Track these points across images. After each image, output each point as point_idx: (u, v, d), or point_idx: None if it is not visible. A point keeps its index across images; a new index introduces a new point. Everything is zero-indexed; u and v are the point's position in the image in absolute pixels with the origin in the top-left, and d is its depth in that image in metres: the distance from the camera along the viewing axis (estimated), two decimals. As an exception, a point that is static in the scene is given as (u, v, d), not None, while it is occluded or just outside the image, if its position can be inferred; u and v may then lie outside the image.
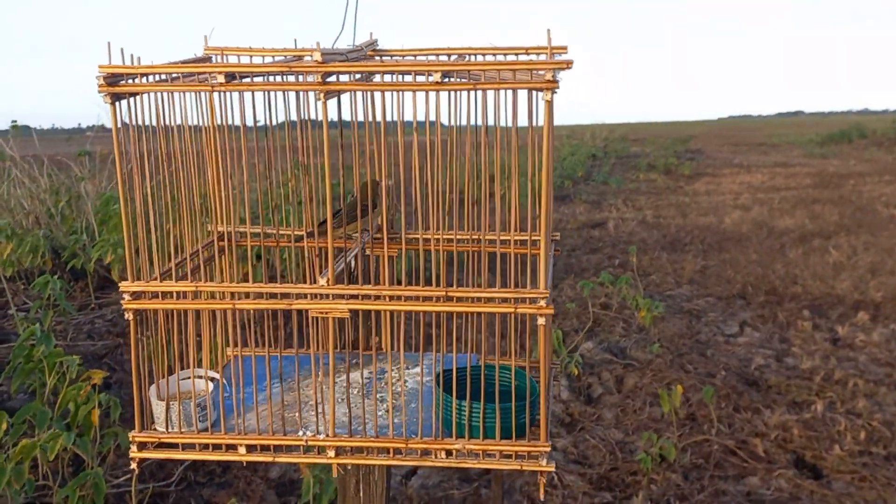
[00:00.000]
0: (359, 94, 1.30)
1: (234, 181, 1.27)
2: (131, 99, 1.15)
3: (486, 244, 1.32)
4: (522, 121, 1.07)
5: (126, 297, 1.19)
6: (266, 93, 1.21)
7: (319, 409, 1.20)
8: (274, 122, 1.28)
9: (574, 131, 18.60)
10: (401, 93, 1.04)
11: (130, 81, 1.12)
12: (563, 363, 3.46)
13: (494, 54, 1.36)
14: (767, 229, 7.47)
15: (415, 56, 1.41)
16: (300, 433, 1.20)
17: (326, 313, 1.11)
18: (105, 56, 1.12)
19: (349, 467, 1.32)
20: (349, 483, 1.36)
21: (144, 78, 1.12)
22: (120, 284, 1.21)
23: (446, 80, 1.01)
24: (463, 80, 1.02)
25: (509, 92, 1.05)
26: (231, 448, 1.22)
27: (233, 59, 1.32)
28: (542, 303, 1.09)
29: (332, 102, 1.10)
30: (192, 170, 1.29)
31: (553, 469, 1.15)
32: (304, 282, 1.21)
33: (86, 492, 2.11)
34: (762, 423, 3.23)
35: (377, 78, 1.19)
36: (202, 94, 1.24)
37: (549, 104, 1.00)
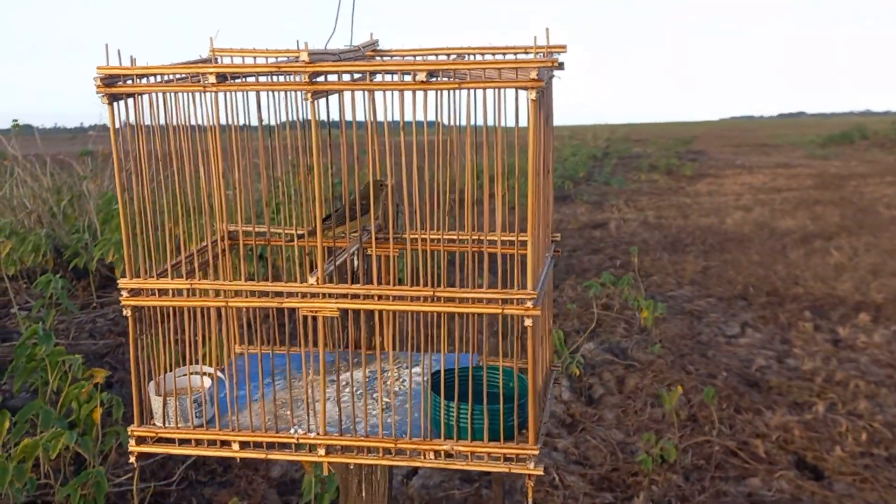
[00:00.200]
0: (353, 94, 1.31)
1: (231, 180, 1.28)
2: (129, 99, 1.17)
3: (471, 244, 1.33)
4: (521, 121, 1.07)
5: (124, 293, 1.21)
6: (258, 93, 1.22)
7: (311, 408, 1.21)
8: (271, 123, 1.29)
9: (576, 132, 18.58)
10: (385, 92, 1.05)
11: (128, 82, 1.14)
12: (565, 364, 3.46)
13: (493, 53, 1.36)
14: (769, 230, 7.46)
15: (414, 56, 1.42)
16: (291, 431, 1.21)
17: (316, 312, 1.12)
18: (103, 57, 1.13)
19: (351, 466, 1.33)
20: (351, 482, 1.37)
21: (141, 79, 1.13)
22: (118, 281, 1.23)
23: (432, 79, 1.02)
24: (448, 79, 1.03)
25: (503, 91, 1.05)
26: (225, 444, 1.23)
27: (237, 60, 1.34)
28: (529, 304, 1.09)
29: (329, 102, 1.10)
30: (189, 169, 1.30)
31: (542, 472, 1.15)
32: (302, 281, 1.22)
33: (87, 490, 2.12)
34: (763, 425, 3.23)
35: (370, 77, 1.19)
36: (198, 94, 1.25)
37: (535, 103, 1.00)
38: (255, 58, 1.32)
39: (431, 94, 1.06)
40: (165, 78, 1.14)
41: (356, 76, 1.13)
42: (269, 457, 1.19)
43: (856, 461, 2.94)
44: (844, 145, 17.91)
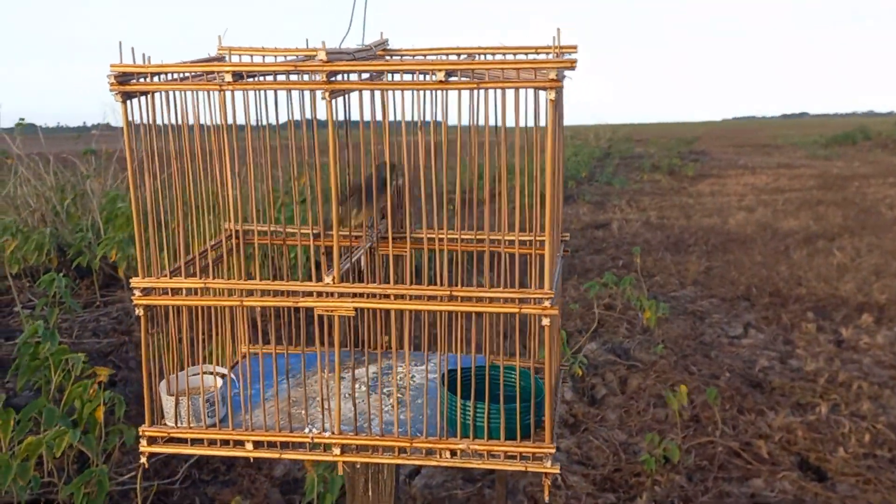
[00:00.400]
0: (367, 93, 1.31)
1: (244, 179, 1.28)
2: (142, 98, 1.16)
3: (489, 243, 1.33)
4: (531, 121, 1.07)
5: (136, 293, 1.20)
6: (276, 92, 1.22)
7: (325, 407, 1.21)
8: (283, 121, 1.29)
9: (578, 132, 18.58)
10: (404, 92, 1.05)
11: (142, 80, 1.13)
12: (568, 364, 3.46)
13: (504, 54, 1.36)
14: (771, 231, 7.47)
15: (424, 55, 1.42)
16: (306, 430, 1.21)
17: (332, 311, 1.11)
18: (108, 55, 1.13)
19: (358, 466, 1.33)
20: (358, 482, 1.37)
21: (154, 77, 1.13)
22: (131, 280, 1.22)
23: (451, 79, 1.02)
24: (467, 79, 1.03)
25: (520, 91, 1.05)
26: (238, 444, 1.22)
27: (245, 59, 1.33)
28: (547, 303, 1.09)
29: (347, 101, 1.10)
30: (201, 167, 1.30)
31: (558, 471, 1.15)
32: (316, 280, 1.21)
33: (90, 489, 2.12)
34: (766, 425, 3.23)
35: (387, 77, 1.19)
36: (212, 92, 1.25)
37: (553, 103, 1.00)
38: (263, 56, 1.32)
39: (442, 93, 1.06)
40: (180, 76, 1.14)
41: (371, 75, 1.13)
42: (283, 456, 1.19)
43: (859, 462, 2.94)
44: (847, 146, 17.92)
